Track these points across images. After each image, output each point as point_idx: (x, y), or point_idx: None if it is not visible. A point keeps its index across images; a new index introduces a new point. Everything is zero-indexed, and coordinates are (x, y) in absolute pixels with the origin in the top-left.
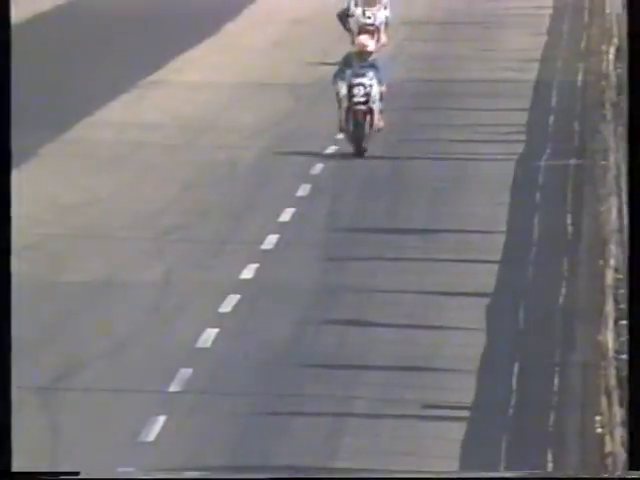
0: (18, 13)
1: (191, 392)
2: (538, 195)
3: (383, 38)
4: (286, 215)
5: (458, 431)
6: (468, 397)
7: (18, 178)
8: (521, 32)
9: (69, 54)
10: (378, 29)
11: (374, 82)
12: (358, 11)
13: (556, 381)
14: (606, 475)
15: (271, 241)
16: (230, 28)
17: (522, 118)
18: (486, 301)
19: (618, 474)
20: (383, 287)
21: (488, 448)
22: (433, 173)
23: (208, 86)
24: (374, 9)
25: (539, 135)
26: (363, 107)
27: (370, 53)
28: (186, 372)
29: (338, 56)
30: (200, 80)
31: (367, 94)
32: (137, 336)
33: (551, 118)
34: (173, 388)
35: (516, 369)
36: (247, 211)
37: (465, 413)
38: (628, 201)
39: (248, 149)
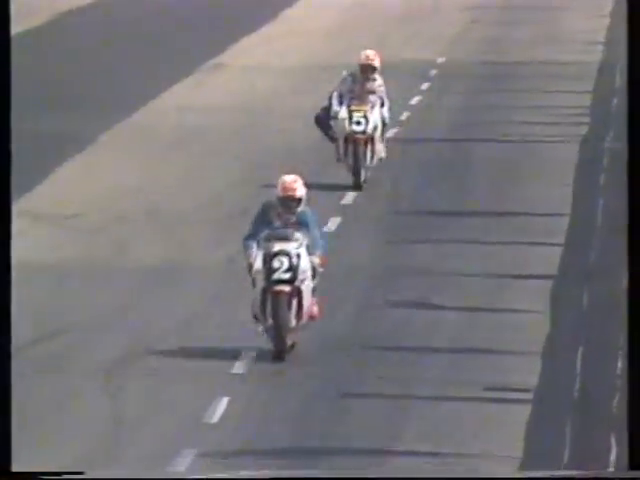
0: (74, 1)
1: (254, 373)
2: (602, 177)
3: (379, 149)
4: (348, 197)
5: (522, 414)
6: (532, 380)
7: (83, 163)
8: (584, 15)
9: (132, 40)
10: (372, 138)
11: (298, 257)
12: (343, 113)
13: (619, 364)
14: (606, 475)
15: (335, 222)
16: (288, 14)
17: (586, 100)
18: (550, 284)
19: (618, 474)
20: (447, 269)
21: (553, 431)
22: (498, 155)
23: (268, 70)
24: (365, 109)
25: (603, 117)
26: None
27: (298, 202)
28: (250, 354)
29: (396, 40)
30: (260, 64)
31: (291, 269)
32: (199, 319)
33: (614, 100)
34: (236, 370)
35: (580, 352)
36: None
37: (529, 396)
38: (628, 201)
39: (309, 132)
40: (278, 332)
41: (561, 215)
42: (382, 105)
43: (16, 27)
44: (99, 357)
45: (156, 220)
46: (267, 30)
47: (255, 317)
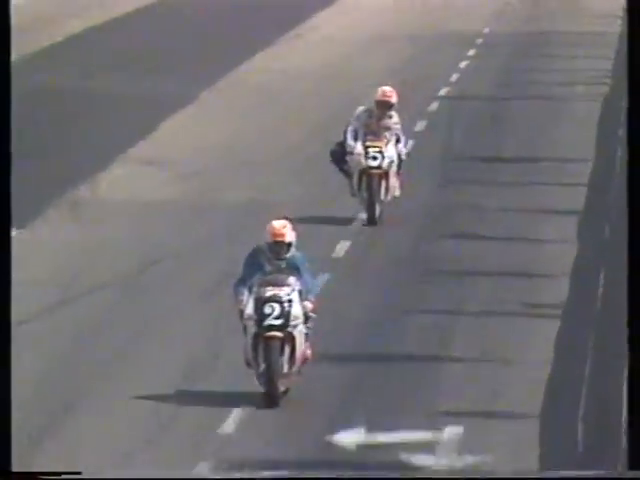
0: None
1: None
2: (621, 131)
3: (393, 185)
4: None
5: (552, 327)
6: (561, 298)
7: (179, 121)
8: None
9: (221, 16)
10: (386, 174)
11: (290, 303)
12: (358, 148)
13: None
14: (606, 475)
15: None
16: None
17: (607, 65)
18: (577, 218)
19: (618, 474)
20: (490, 206)
21: (577, 341)
22: (530, 111)
23: (338, 40)
24: (381, 144)
25: (621, 79)
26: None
27: (288, 246)
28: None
29: (445, 14)
30: (331, 35)
31: (282, 316)
32: None
33: None
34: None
35: (602, 274)
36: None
37: (558, 311)
38: (628, 206)
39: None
40: (270, 378)
41: (586, 161)
42: (397, 141)
43: (127, 8)
44: (199, 279)
45: (244, 166)
46: (334, 7)
47: (247, 363)
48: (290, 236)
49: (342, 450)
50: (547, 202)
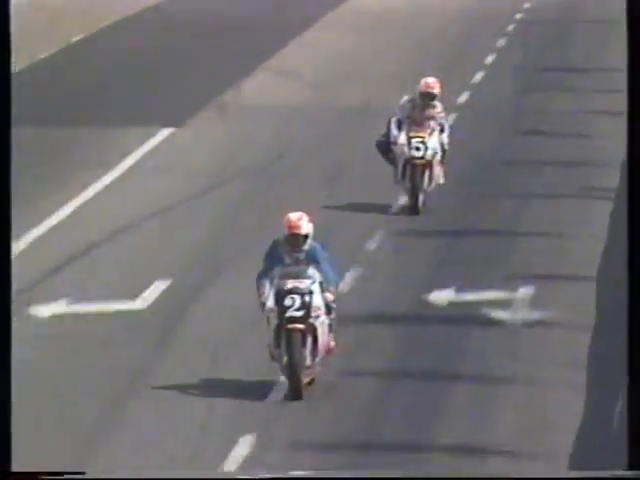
0: None
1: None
2: None
3: (437, 174)
4: (463, 96)
5: (606, 208)
6: (614, 184)
7: (306, 39)
8: None
9: None
10: (430, 164)
11: (311, 294)
12: (402, 138)
13: None
14: (606, 475)
15: (478, 78)
16: None
17: None
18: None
19: (618, 474)
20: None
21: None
22: (565, 75)
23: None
24: (424, 134)
25: None
26: (420, 161)
27: (305, 238)
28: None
29: None
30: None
31: (303, 307)
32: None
33: None
34: None
35: None
36: (444, 71)
37: (611, 194)
38: (628, 203)
39: (433, 47)
40: (293, 370)
41: None
42: (442, 131)
43: None
44: (322, 167)
45: (357, 78)
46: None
47: (272, 356)
48: (306, 228)
49: (436, 307)
50: (601, 105)
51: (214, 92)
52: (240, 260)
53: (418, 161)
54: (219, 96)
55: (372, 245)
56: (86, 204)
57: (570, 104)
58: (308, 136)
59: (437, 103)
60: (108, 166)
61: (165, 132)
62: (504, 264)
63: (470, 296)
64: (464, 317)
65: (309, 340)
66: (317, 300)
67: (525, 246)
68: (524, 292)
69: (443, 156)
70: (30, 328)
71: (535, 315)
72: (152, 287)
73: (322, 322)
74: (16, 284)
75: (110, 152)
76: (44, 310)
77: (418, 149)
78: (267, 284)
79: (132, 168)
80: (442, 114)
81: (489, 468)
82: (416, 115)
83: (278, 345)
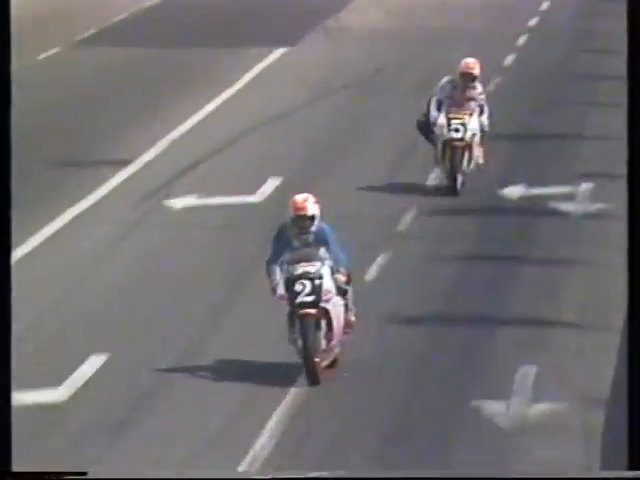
0: None
1: None
2: None
3: (477, 155)
4: (509, 60)
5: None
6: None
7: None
8: None
9: None
10: (469, 145)
11: (320, 277)
12: (441, 119)
13: None
14: (606, 475)
15: (522, 40)
16: None
17: None
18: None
19: (618, 474)
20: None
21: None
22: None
23: None
24: (464, 115)
25: None
26: (460, 143)
27: (312, 220)
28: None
29: None
30: None
31: (313, 292)
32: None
33: None
34: None
35: None
36: (488, 37)
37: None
38: (628, 206)
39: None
40: (308, 354)
41: None
42: (481, 113)
43: None
44: (412, 78)
45: (436, 6)
46: None
47: (289, 340)
48: (313, 209)
49: (509, 200)
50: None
51: (320, 18)
52: (340, 164)
53: (457, 142)
54: (324, 21)
55: None
56: (211, 114)
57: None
58: (401, 54)
59: (477, 84)
60: (230, 81)
61: (279, 51)
62: (568, 163)
63: (538, 191)
64: (533, 209)
65: (323, 323)
66: (327, 283)
67: (587, 148)
68: (585, 187)
69: (482, 137)
70: (164, 218)
71: (594, 207)
72: (267, 184)
73: (335, 304)
74: (153, 183)
75: (232, 70)
76: (177, 202)
77: (457, 130)
78: (277, 270)
79: (250, 82)
80: (482, 95)
81: (552, 339)
82: (456, 96)
83: (293, 330)
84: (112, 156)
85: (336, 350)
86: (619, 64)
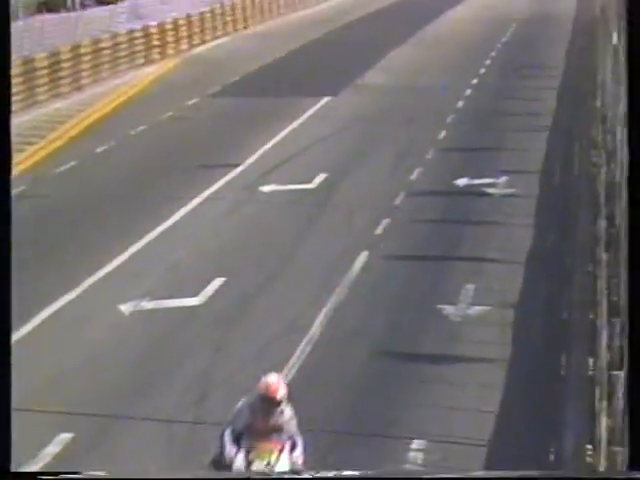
0: None
1: None
2: None
3: None
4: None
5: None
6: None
7: None
8: None
9: None
10: None
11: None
12: (239, 461)
13: None
14: (606, 475)
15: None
16: None
17: None
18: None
19: (618, 474)
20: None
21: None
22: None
23: None
24: (270, 452)
25: None
26: None
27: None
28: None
29: None
30: None
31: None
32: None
33: None
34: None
35: None
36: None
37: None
38: (628, 206)
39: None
40: None
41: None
42: (293, 448)
43: None
44: (402, 119)
45: (425, 71)
46: None
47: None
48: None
49: (459, 187)
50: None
51: (352, 78)
52: (360, 164)
53: None
54: (354, 80)
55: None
56: (285, 136)
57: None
58: (400, 103)
59: (285, 408)
60: (296, 117)
61: (325, 99)
62: (493, 165)
63: (476, 181)
64: (473, 192)
65: None
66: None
67: (506, 155)
68: (502, 179)
69: None
70: (258, 197)
71: (508, 191)
72: (318, 177)
73: None
74: (253, 177)
75: (297, 109)
76: (265, 188)
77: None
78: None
79: (309, 118)
80: (293, 421)
81: (483, 269)
82: (257, 425)
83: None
84: (229, 161)
85: None
86: (519, 122)
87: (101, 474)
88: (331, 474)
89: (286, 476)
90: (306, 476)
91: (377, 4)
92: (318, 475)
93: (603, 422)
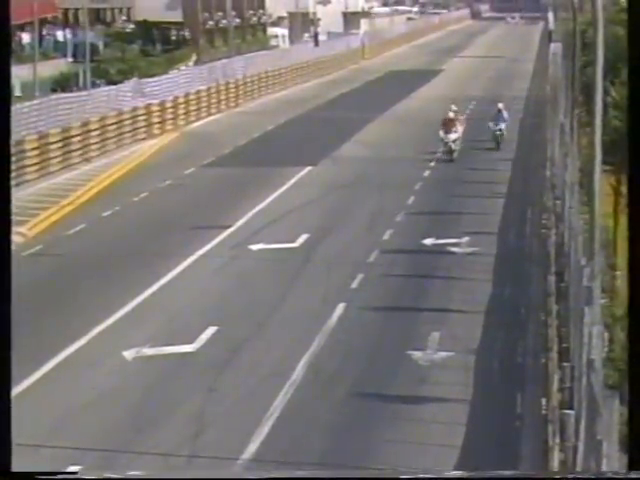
0: None
1: None
2: None
3: None
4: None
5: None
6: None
7: None
8: None
9: None
10: None
11: None
12: None
13: None
14: (606, 475)
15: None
16: None
17: None
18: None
19: (618, 474)
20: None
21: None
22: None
23: None
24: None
25: None
26: None
27: None
28: None
29: None
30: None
31: None
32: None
33: None
34: None
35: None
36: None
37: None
38: (628, 205)
39: None
40: None
41: None
42: None
43: None
44: (374, 186)
45: (393, 144)
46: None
47: None
48: None
49: (426, 246)
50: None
51: (329, 151)
52: (340, 223)
53: None
54: (331, 152)
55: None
56: (272, 201)
57: None
58: (373, 170)
59: None
60: (282, 184)
61: (308, 168)
62: (456, 227)
63: (441, 241)
64: (438, 250)
65: None
66: None
67: (467, 218)
68: (465, 239)
69: None
70: (248, 254)
71: (469, 250)
72: (301, 237)
73: None
74: (242, 236)
75: (282, 178)
76: (254, 247)
77: None
78: None
79: (293, 184)
80: None
81: (447, 318)
82: None
83: None
84: (221, 223)
85: None
86: (478, 189)
87: (99, 475)
88: (328, 474)
89: (284, 476)
90: (303, 475)
91: (356, 83)
92: (316, 475)
93: (555, 455)
